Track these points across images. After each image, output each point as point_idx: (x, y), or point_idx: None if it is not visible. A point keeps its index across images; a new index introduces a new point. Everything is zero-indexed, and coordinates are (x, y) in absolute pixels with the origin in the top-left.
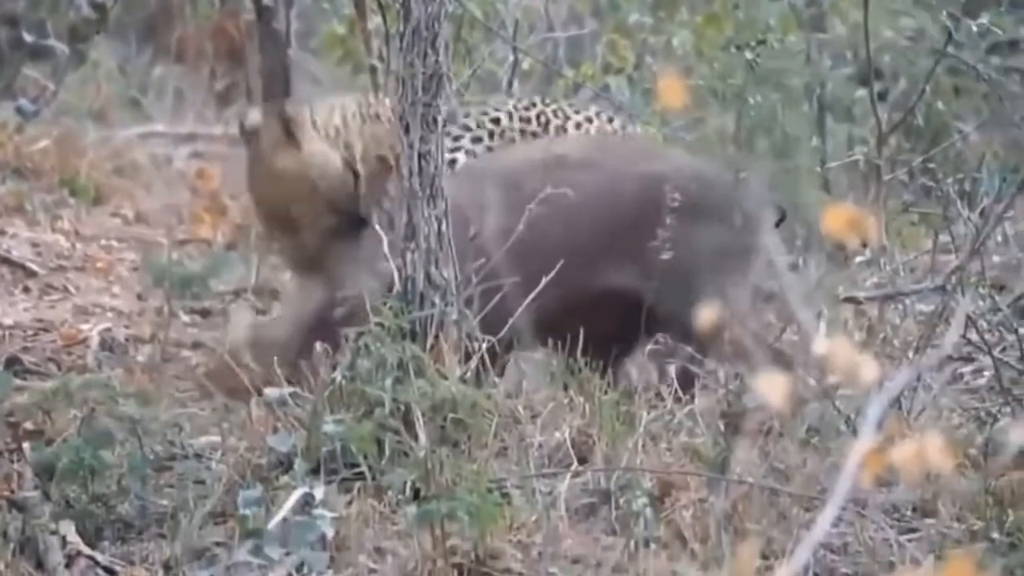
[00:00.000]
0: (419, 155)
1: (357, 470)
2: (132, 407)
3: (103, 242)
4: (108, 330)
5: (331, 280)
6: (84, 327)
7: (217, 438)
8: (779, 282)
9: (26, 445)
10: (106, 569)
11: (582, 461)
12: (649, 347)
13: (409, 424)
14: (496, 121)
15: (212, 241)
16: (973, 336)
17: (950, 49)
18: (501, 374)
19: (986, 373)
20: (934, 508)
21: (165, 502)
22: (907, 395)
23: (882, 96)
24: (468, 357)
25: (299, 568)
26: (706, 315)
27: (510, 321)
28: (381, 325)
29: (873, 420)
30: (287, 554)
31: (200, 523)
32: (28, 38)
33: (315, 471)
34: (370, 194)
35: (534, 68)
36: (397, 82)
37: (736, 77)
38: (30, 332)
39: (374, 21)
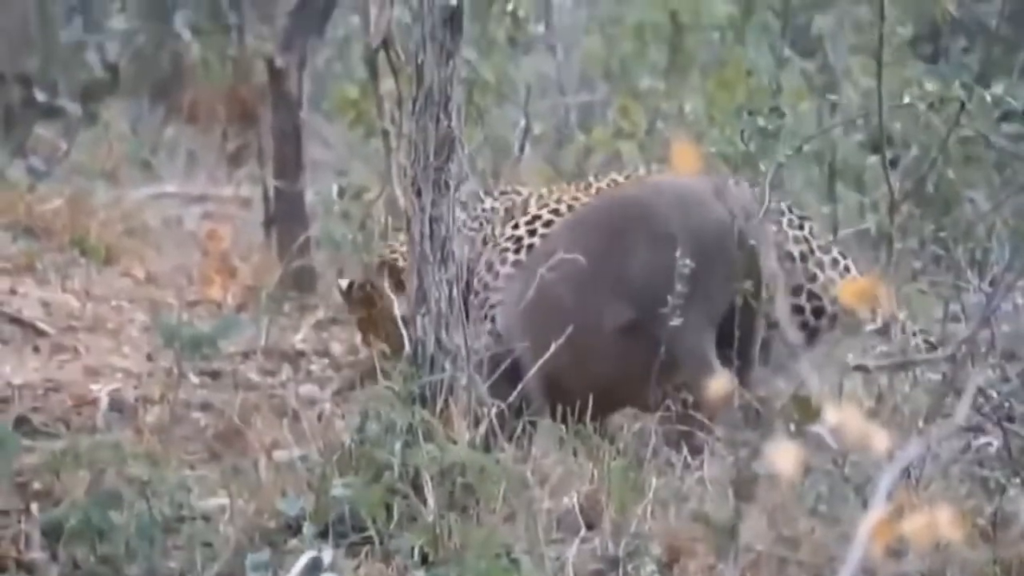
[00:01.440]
0: (430, 219)
1: (366, 534)
2: (141, 468)
3: (113, 302)
4: (117, 391)
5: None
6: (94, 387)
7: (225, 500)
8: (791, 350)
9: (34, 506)
10: None
11: (591, 527)
12: (659, 414)
13: (418, 488)
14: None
15: (222, 302)
16: (983, 406)
17: (963, 118)
18: (510, 439)
19: (995, 443)
20: None
21: (173, 564)
22: (917, 465)
23: (893, 163)
24: (477, 422)
25: None
26: (717, 384)
27: (520, 384)
28: (391, 389)
29: (883, 490)
30: None
31: None
32: (40, 97)
33: (323, 534)
34: None
35: (546, 132)
36: (409, 146)
37: (748, 143)
38: (40, 392)
39: (387, 84)
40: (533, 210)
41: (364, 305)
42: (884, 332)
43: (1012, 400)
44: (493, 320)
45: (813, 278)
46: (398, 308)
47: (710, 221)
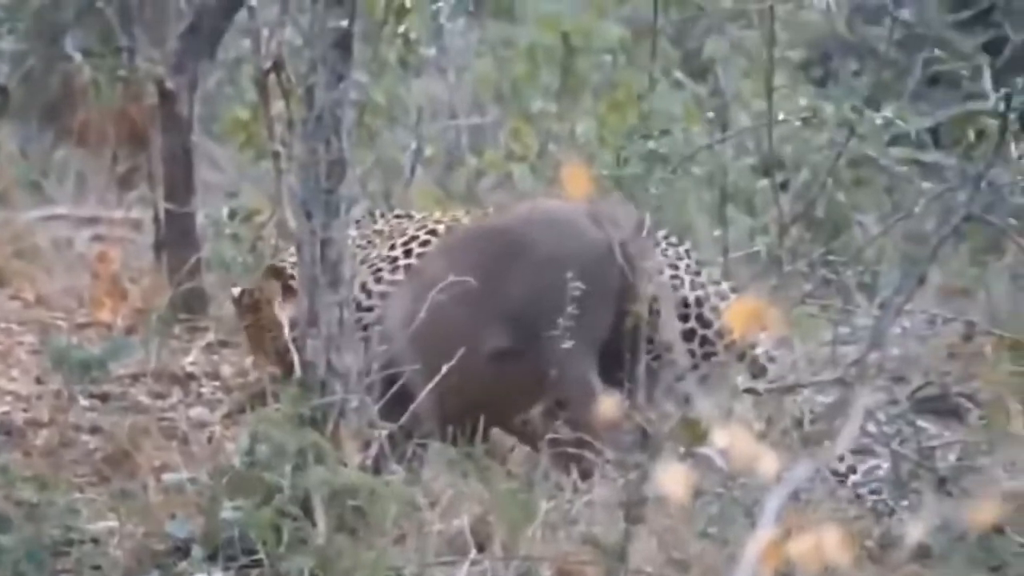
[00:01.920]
0: (321, 242)
1: (255, 557)
2: (30, 491)
3: (2, 325)
4: (6, 413)
5: None
6: None
7: (115, 523)
8: (680, 373)
9: None
10: None
11: (480, 549)
12: (548, 436)
13: (308, 511)
14: None
15: (112, 325)
16: (872, 428)
17: (852, 141)
18: (400, 461)
19: (884, 465)
20: None
21: None
22: (806, 487)
23: (784, 186)
24: (368, 444)
25: None
26: (603, 407)
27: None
28: (282, 412)
29: (771, 512)
30: None
31: None
32: None
33: (213, 557)
34: None
35: (436, 155)
36: (300, 168)
37: (638, 166)
38: None
39: (277, 107)
40: (411, 231)
41: (252, 311)
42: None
43: (900, 422)
44: (366, 340)
45: (699, 302)
46: (287, 327)
47: (586, 245)
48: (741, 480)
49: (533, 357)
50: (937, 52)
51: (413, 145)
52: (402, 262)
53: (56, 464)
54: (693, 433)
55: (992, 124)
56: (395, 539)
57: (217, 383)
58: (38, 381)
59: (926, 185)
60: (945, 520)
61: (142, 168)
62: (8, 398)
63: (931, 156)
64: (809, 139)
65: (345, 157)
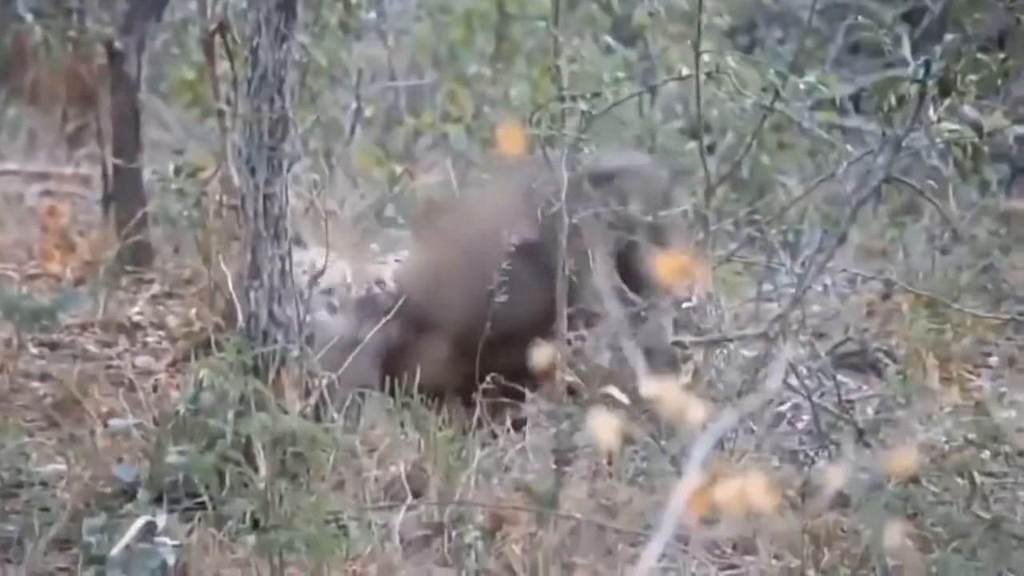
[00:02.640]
0: (264, 197)
1: (199, 500)
2: None
3: None
4: None
5: None
6: None
7: (63, 467)
8: (610, 324)
9: None
10: None
11: (417, 495)
12: (482, 385)
13: (250, 456)
14: None
15: (61, 276)
16: (793, 381)
17: (776, 105)
18: (340, 410)
19: (805, 417)
20: (754, 546)
21: (11, 528)
22: (730, 437)
23: (710, 149)
24: (308, 392)
25: None
26: (540, 354)
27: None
28: (225, 360)
29: (697, 460)
30: None
31: (44, 550)
32: None
33: (158, 500)
34: None
35: (376, 115)
36: (244, 126)
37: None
38: None
39: (222, 67)
40: None
41: None
42: (700, 309)
43: (821, 376)
44: None
45: None
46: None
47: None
48: (669, 430)
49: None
50: (859, 20)
51: (353, 105)
52: None
53: (6, 409)
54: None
55: (911, 90)
56: (334, 485)
57: (162, 333)
58: None
59: (847, 148)
60: (863, 470)
61: (91, 126)
62: None
63: (852, 121)
64: (735, 103)
65: (288, 116)
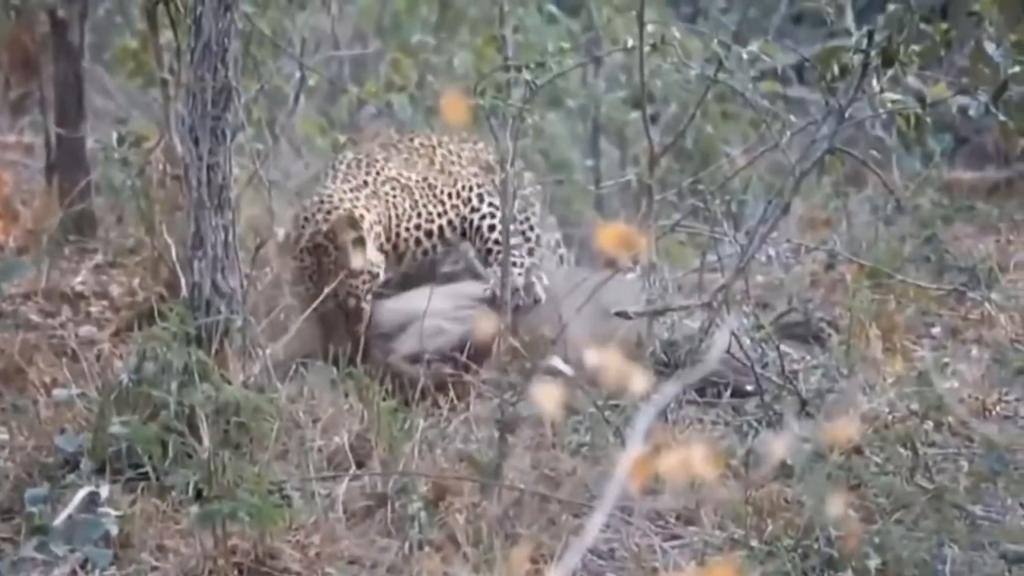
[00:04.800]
0: (208, 167)
1: (142, 470)
2: None
3: None
4: None
5: None
6: None
7: (5, 436)
8: (555, 296)
9: None
10: None
11: (360, 465)
12: (426, 356)
13: (193, 427)
14: None
15: (4, 245)
16: (737, 352)
17: (720, 75)
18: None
19: (748, 388)
20: (697, 516)
21: None
22: (673, 407)
23: (654, 119)
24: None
25: (83, 565)
26: (483, 325)
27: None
28: (168, 330)
29: (640, 430)
30: (72, 551)
31: None
32: None
33: (101, 470)
34: None
35: (320, 84)
36: (188, 95)
37: (514, 98)
38: None
39: (166, 36)
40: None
41: (314, 254)
42: (643, 279)
43: (764, 346)
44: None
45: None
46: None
47: None
48: (612, 400)
49: None
50: None
51: (297, 75)
52: None
53: None
54: (538, 347)
55: (854, 60)
56: (278, 455)
57: (105, 302)
58: None
59: (791, 119)
60: (806, 441)
61: (34, 94)
62: None
63: (796, 91)
64: (679, 74)
65: (231, 85)
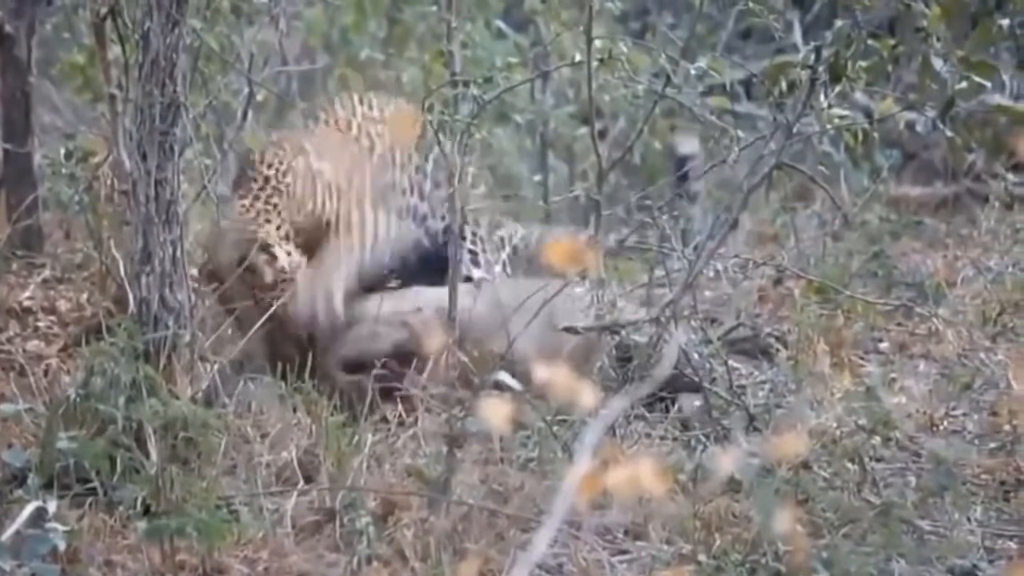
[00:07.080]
0: (156, 182)
1: (89, 485)
2: None
3: None
4: None
5: None
6: None
7: None
8: (501, 311)
9: None
10: None
11: (308, 480)
12: (374, 371)
13: (141, 442)
14: None
15: None
16: (685, 367)
17: (668, 90)
18: (231, 395)
19: (696, 403)
20: (645, 531)
21: None
22: (621, 422)
23: (602, 134)
24: (199, 378)
25: None
26: (432, 342)
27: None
28: (116, 345)
29: (588, 445)
30: (19, 566)
31: None
32: None
33: (48, 486)
34: None
35: (268, 100)
36: (135, 111)
37: (462, 113)
38: None
39: (114, 51)
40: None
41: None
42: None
43: (712, 361)
44: None
45: None
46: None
47: None
48: (561, 415)
49: None
50: (750, 6)
51: (245, 90)
52: None
53: None
54: (486, 362)
55: (802, 76)
56: (226, 470)
57: (53, 317)
58: None
59: (739, 134)
60: (754, 455)
61: None
62: None
63: (744, 106)
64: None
65: (179, 101)
